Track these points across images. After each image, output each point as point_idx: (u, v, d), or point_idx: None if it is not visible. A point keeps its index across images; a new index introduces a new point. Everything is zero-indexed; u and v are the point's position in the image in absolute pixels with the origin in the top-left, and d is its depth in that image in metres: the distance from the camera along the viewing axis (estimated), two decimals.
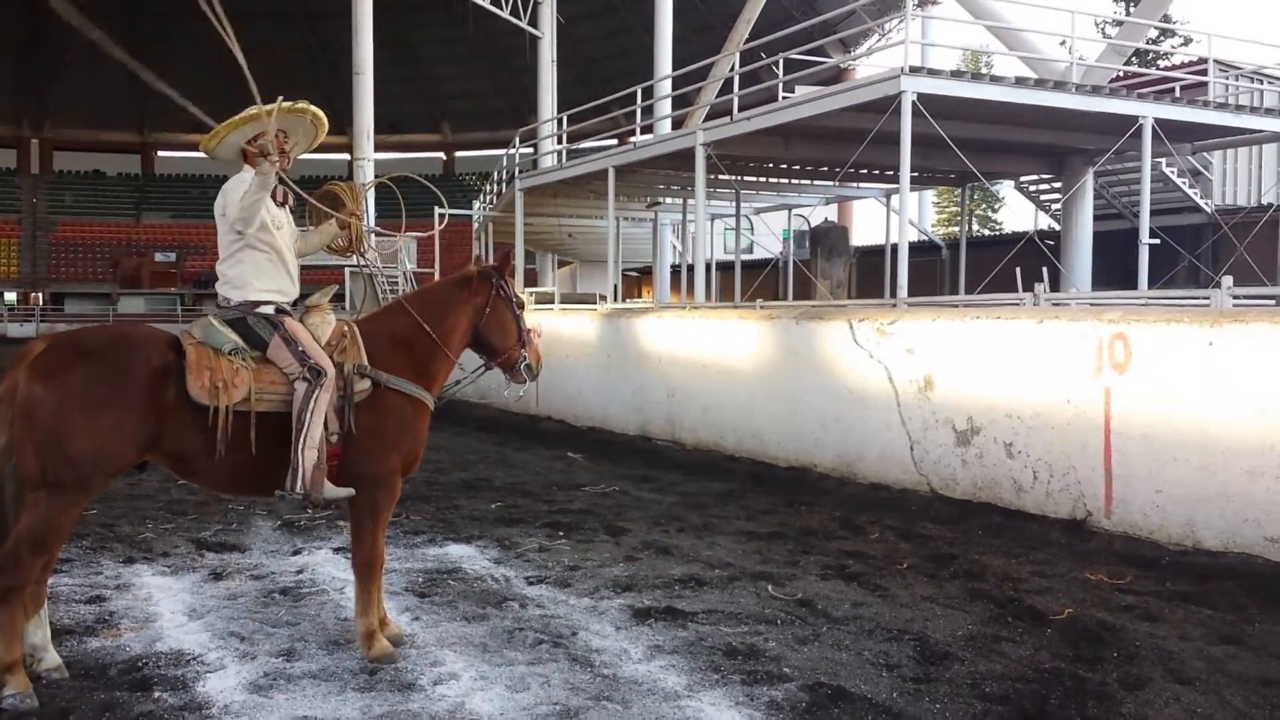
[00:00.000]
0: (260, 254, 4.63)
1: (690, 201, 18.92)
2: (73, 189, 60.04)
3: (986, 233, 44.89)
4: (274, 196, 4.71)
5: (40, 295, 53.62)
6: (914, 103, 11.00)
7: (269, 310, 4.62)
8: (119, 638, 4.77)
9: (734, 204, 19.94)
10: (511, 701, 4.02)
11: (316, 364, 4.43)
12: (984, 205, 51.29)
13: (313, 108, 4.71)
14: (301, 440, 4.34)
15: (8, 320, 50.93)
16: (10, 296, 53.82)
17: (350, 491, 4.48)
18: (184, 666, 4.40)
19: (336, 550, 6.46)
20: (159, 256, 54.26)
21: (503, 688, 4.15)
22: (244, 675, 4.28)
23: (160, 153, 62.93)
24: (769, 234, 23.72)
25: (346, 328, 4.71)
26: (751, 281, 20.34)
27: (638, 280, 31.15)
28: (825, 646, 4.67)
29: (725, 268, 22.62)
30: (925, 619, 5.10)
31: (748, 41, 23.15)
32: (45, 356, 4.11)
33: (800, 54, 14.19)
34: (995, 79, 12.51)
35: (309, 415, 4.36)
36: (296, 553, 6.46)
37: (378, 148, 25.71)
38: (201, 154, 4.91)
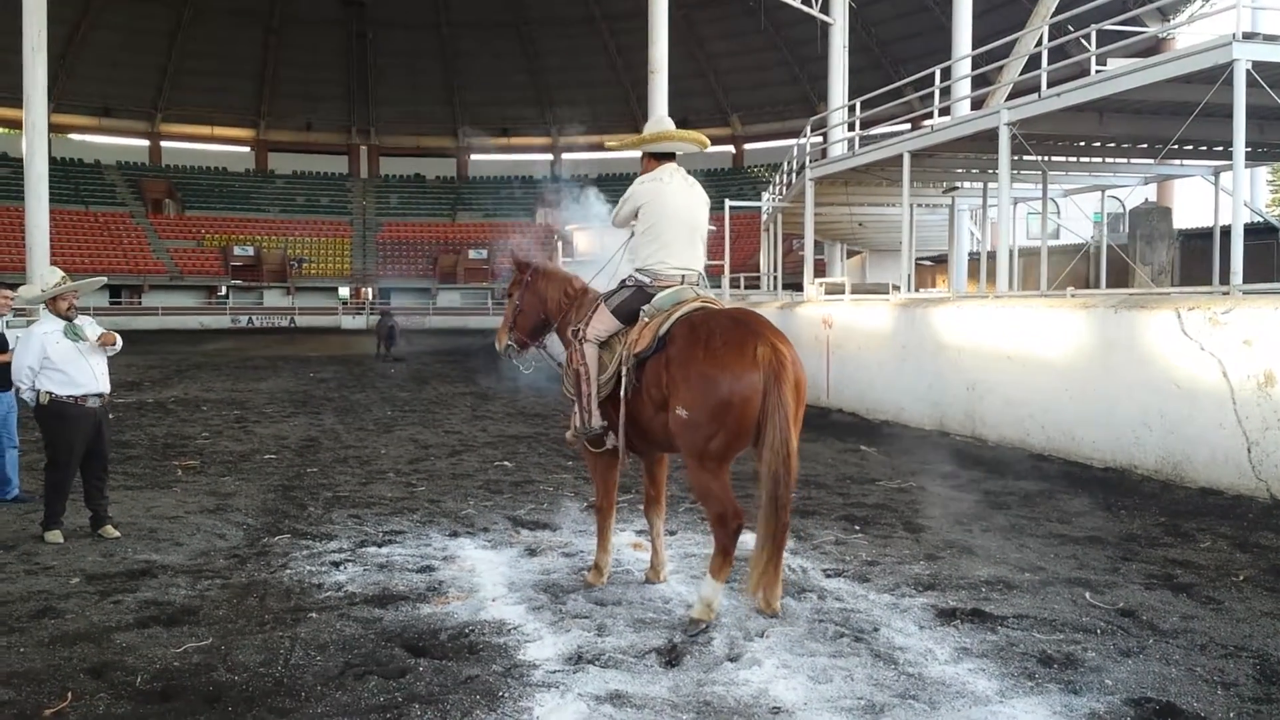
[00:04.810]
0: None
1: (991, 185, 18.03)
2: (396, 192, 65.90)
3: None
4: None
5: (370, 290, 59.28)
6: (1248, 71, 9.95)
7: None
8: (447, 605, 5.18)
9: (1039, 186, 18.81)
10: (815, 692, 4.02)
11: None
12: None
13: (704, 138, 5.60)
14: None
15: (342, 313, 56.78)
16: (344, 291, 59.87)
17: None
18: (505, 635, 4.71)
19: (639, 533, 6.71)
20: (472, 254, 58.62)
21: (805, 678, 4.16)
22: (559, 647, 4.52)
23: (473, 156, 67.70)
24: (1078, 217, 22.17)
25: None
26: (1058, 268, 19.12)
27: (930, 269, 30.04)
28: (1152, 660, 4.34)
29: (1027, 254, 21.37)
30: (1266, 636, 4.64)
31: (1055, 14, 21.73)
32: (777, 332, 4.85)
33: (1114, 25, 13.15)
34: None
35: None
36: None
37: None
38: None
